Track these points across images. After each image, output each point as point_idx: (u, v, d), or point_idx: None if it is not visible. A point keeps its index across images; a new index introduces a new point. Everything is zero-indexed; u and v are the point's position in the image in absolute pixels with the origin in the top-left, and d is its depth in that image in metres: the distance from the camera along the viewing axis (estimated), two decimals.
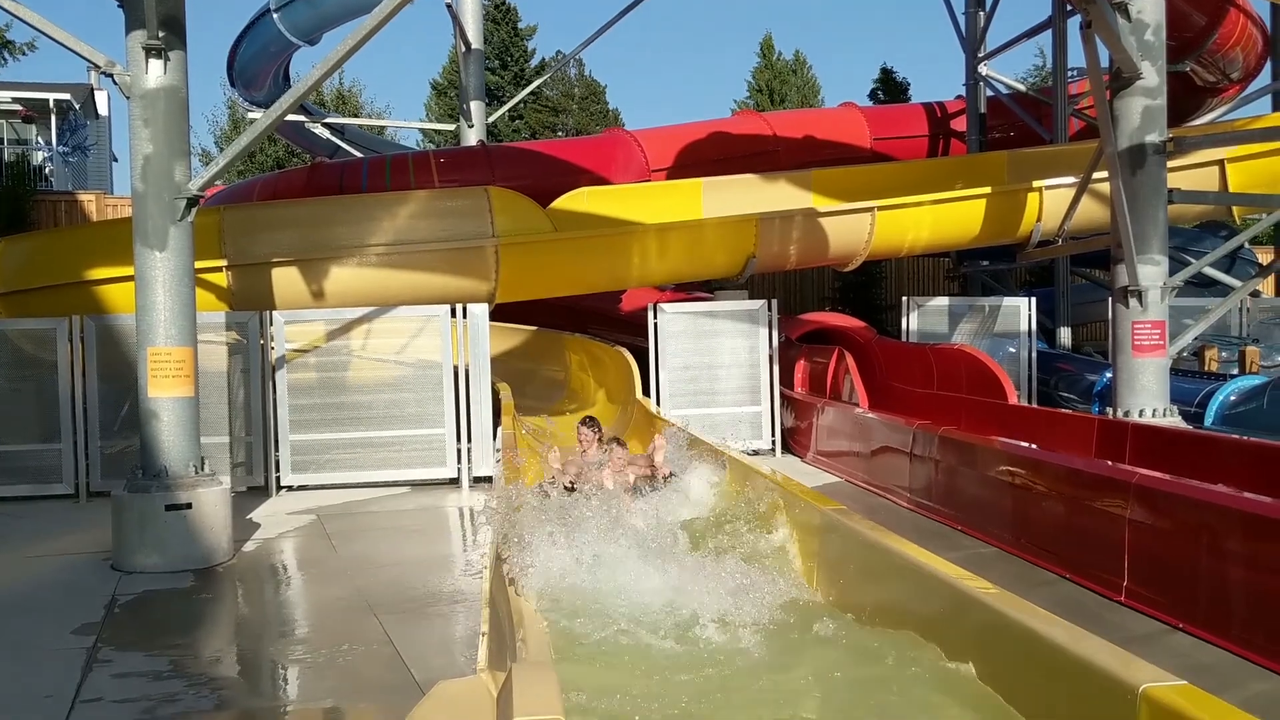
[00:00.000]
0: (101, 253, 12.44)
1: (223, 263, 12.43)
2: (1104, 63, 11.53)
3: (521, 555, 6.16)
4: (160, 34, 8.16)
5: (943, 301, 16.88)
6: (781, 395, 13.60)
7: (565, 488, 8.50)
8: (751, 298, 14.24)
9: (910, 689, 4.73)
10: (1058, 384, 15.52)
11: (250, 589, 7.76)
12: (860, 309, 22.18)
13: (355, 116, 32.96)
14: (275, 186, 17.93)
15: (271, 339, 11.36)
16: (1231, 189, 15.66)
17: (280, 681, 5.87)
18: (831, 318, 17.45)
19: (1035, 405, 14.56)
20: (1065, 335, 17.73)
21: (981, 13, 19.28)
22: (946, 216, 15.27)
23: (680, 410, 12.86)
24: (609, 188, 16.23)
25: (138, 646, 6.26)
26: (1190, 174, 14.70)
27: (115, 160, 33.34)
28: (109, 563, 8.21)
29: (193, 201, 8.45)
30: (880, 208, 14.81)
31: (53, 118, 28.51)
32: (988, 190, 15.34)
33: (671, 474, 8.82)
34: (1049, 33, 17.94)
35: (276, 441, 11.29)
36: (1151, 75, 11.11)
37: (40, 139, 28.57)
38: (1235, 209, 16.50)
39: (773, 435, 13.43)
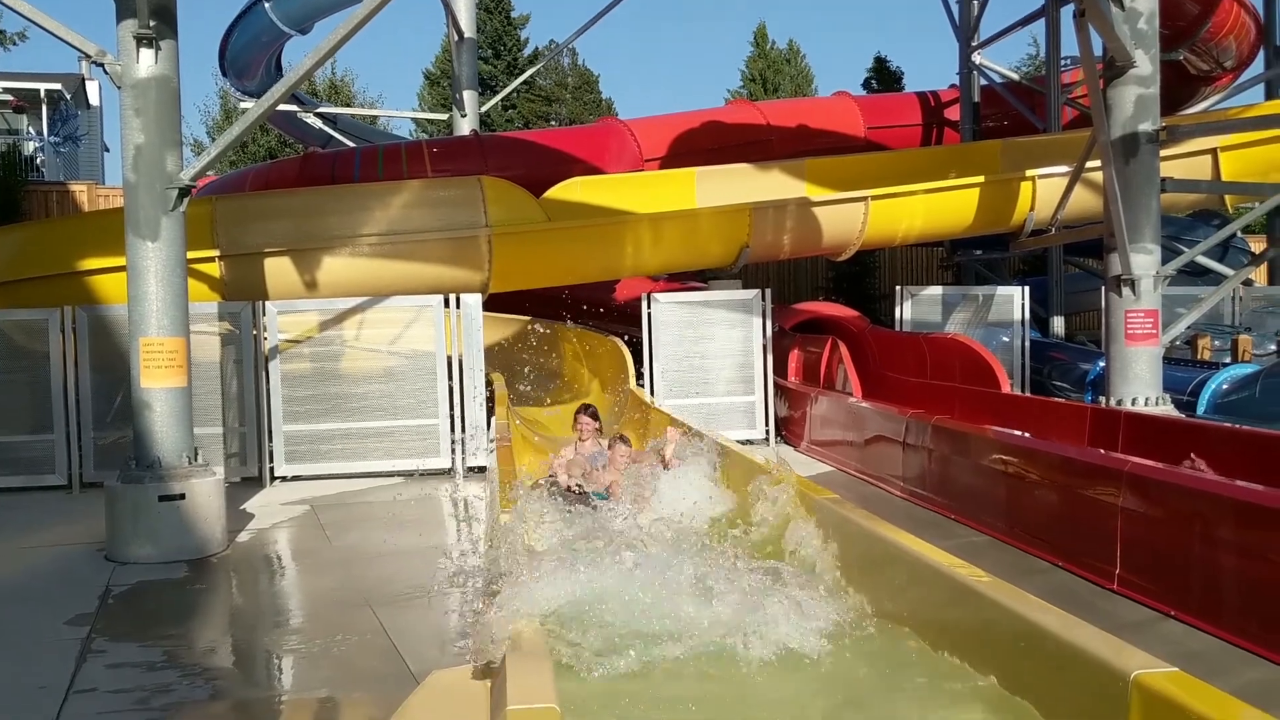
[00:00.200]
0: (93, 243, 12.37)
1: (215, 253, 12.38)
2: (1097, 51, 11.52)
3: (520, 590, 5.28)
4: (151, 23, 8.13)
5: (936, 291, 16.90)
6: (775, 385, 13.61)
7: (572, 490, 8.48)
8: (745, 287, 14.25)
9: (902, 677, 4.74)
10: (1051, 373, 15.55)
11: (244, 580, 7.76)
12: (854, 298, 22.16)
13: (348, 106, 32.75)
14: (268, 176, 17.86)
15: (265, 329, 11.34)
16: (1224, 178, 15.70)
17: (274, 672, 5.88)
18: (825, 307, 17.47)
19: (1028, 394, 14.61)
20: (1058, 324, 17.73)
21: (975, 1, 19.26)
22: (940, 206, 15.27)
23: (674, 400, 12.88)
24: (602, 177, 16.19)
25: (132, 637, 6.26)
26: (1183, 163, 14.73)
27: (107, 150, 33.24)
28: (103, 554, 8.20)
29: (184, 191, 8.43)
30: (874, 197, 14.79)
31: (44, 108, 28.38)
32: (981, 179, 15.32)
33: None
34: (1042, 21, 17.91)
35: (270, 432, 11.29)
36: (1145, 64, 11.11)
37: (31, 129, 28.42)
38: (1228, 198, 16.56)
39: (766, 425, 13.45)
